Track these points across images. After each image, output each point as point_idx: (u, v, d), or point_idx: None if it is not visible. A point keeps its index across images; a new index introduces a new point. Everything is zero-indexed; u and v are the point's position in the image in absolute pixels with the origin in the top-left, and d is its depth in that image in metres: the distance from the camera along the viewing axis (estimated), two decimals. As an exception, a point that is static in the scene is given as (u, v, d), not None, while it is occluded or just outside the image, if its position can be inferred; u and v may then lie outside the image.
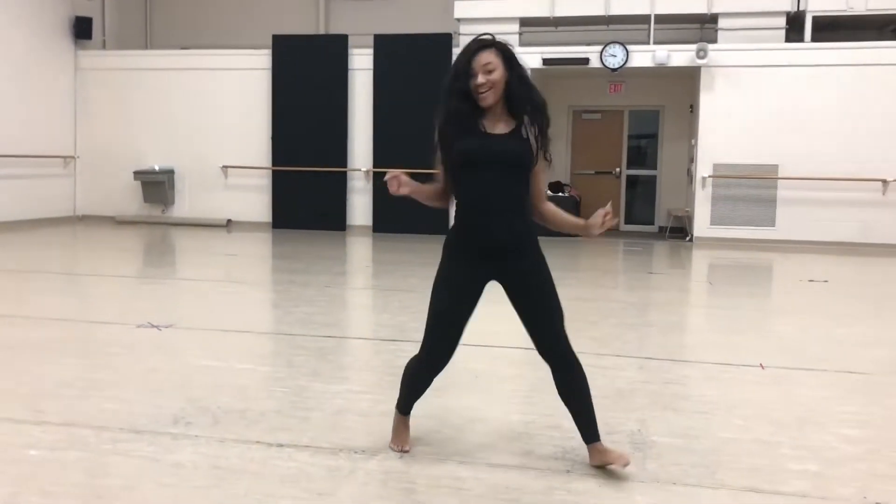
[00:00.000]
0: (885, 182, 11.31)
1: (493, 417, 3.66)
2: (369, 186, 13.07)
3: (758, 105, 11.64)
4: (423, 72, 12.58)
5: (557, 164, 14.00)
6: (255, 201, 13.52)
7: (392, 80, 12.69)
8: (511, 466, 3.05)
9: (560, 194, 12.98)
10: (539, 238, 2.96)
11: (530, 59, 12.28)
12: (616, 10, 12.09)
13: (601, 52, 12.02)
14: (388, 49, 12.75)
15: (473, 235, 2.90)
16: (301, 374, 4.37)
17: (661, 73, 12.45)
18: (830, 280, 8.28)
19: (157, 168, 13.53)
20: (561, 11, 12.26)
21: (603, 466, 2.96)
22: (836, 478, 2.97)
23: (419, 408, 3.29)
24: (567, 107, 14.02)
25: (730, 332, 5.68)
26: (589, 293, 7.21)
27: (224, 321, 5.83)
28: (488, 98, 2.84)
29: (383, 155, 12.78)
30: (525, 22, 12.64)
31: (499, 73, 2.82)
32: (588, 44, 12.51)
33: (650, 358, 4.82)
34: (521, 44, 12.72)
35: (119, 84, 13.78)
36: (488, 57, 2.83)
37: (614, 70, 12.08)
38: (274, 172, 13.25)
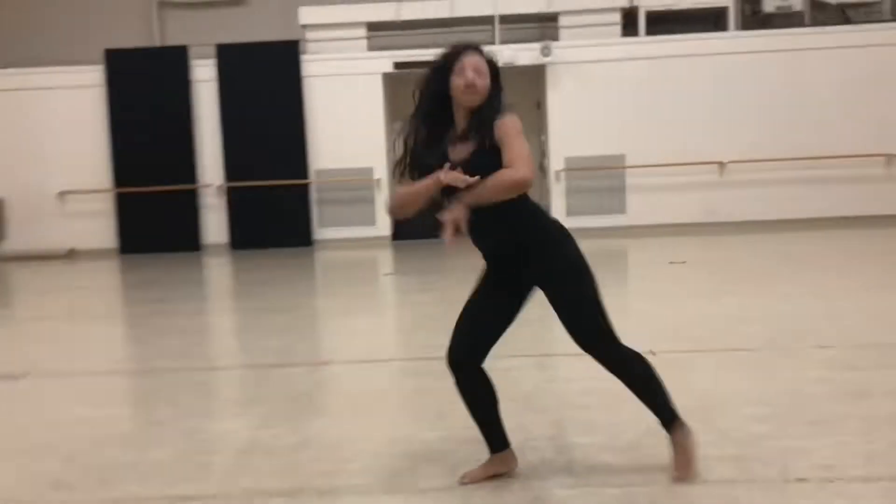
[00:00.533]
0: (721, 164, 12.05)
1: (404, 437, 3.50)
2: (222, 202, 12.52)
3: (602, 98, 12.09)
4: (271, 81, 12.22)
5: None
6: (99, 227, 12.59)
7: (239, 90, 12.21)
8: (438, 490, 2.91)
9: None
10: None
11: (381, 63, 12.21)
12: (461, 12, 12.19)
13: (450, 54, 12.07)
14: (233, 59, 12.26)
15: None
16: (189, 413, 4.03)
17: (506, 73, 12.61)
18: (688, 260, 8.69)
19: (-19, 199, 12.33)
20: (407, 15, 12.22)
21: None
22: (756, 459, 3.04)
23: (329, 437, 3.10)
24: (419, 109, 13.99)
25: (613, 321, 5.78)
26: (466, 292, 7.17)
27: (88, 363, 5.32)
28: (473, 101, 2.66)
29: (235, 168, 12.28)
30: (372, 26, 12.53)
31: (487, 81, 2.68)
32: (436, 46, 12.50)
33: (546, 355, 4.82)
34: (370, 48, 12.62)
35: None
36: (479, 60, 2.68)
37: (464, 71, 12.17)
38: (117, 195, 12.42)
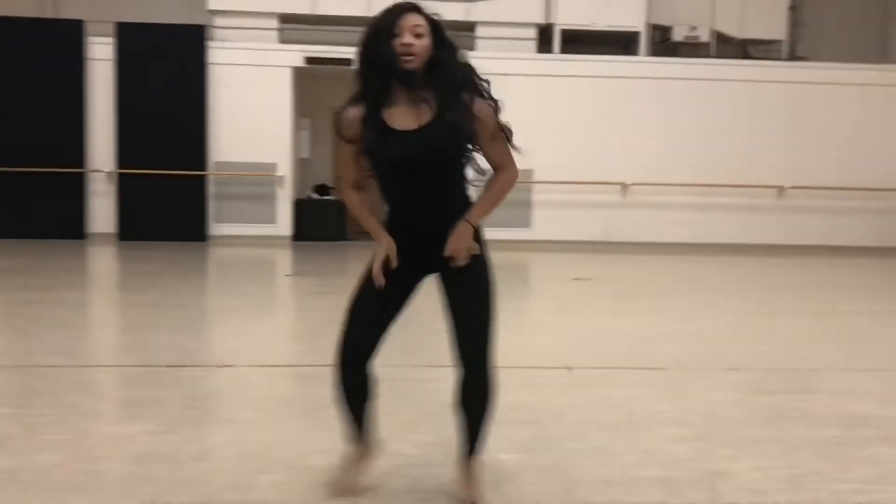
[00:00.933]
0: (624, 185, 12.31)
1: (320, 450, 3.27)
2: (112, 189, 11.81)
3: (513, 112, 12.02)
4: (174, 65, 11.65)
5: (321, 164, 13.66)
6: (-31, 207, 11.66)
7: (138, 72, 11.56)
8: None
9: (326, 197, 12.64)
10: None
11: (291, 57, 11.84)
12: (378, 11, 11.96)
13: (364, 54, 11.86)
14: (133, 39, 11.60)
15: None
16: (76, 414, 3.67)
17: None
18: (593, 277, 8.77)
19: None
20: (322, 10, 11.91)
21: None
22: (684, 482, 2.99)
23: (238, 446, 2.84)
24: (329, 108, 13.67)
25: (524, 334, 5.71)
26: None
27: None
28: (410, 62, 2.44)
29: (129, 155, 11.62)
30: (285, 18, 12.14)
31: (427, 41, 2.47)
32: (350, 44, 12.25)
33: (462, 367, 4.67)
34: (282, 41, 12.23)
35: None
36: (417, 19, 2.47)
37: (377, 72, 11.97)
38: (-5, 174, 11.52)
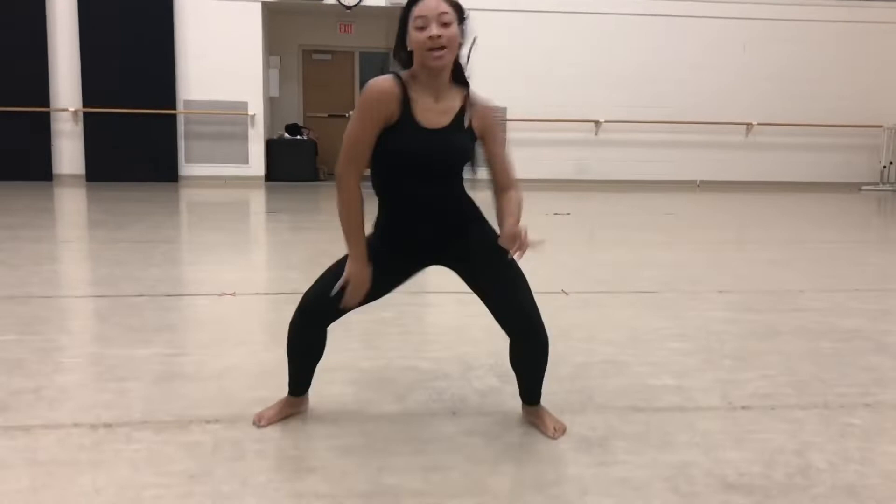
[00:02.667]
0: (597, 123, 12.37)
1: (338, 367, 3.32)
2: (79, 129, 11.54)
3: (483, 49, 11.99)
4: (140, 0, 11.30)
5: (291, 103, 13.45)
6: (-70, 148, 11.31)
7: (102, 7, 11.21)
8: (393, 415, 2.77)
9: (298, 137, 12.49)
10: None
11: (261, -9, 11.56)
12: (349, -55, 11.71)
13: (336, -12, 11.63)
14: (95, -28, 11.21)
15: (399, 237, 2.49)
16: (86, 340, 3.67)
17: (390, 15, 12.36)
18: (571, 213, 8.87)
19: None
20: (292, -58, 11.61)
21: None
22: (695, 388, 3.10)
23: (254, 364, 2.88)
24: (297, 46, 13.44)
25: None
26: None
27: (-52, 287, 4.76)
28: (444, 58, 2.23)
29: (95, 93, 11.33)
30: (253, -49, 11.81)
31: (454, 30, 2.22)
32: (320, -21, 12.04)
33: (463, 293, 4.72)
34: (250, -25, 11.92)
35: None
36: (442, 5, 2.21)
37: (349, 8, 11.76)
38: (-47, 114, 11.16)
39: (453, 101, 2.36)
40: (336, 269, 2.49)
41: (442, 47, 2.21)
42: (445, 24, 2.21)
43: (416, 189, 2.36)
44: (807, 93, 12.58)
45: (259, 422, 2.63)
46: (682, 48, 12.36)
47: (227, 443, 2.51)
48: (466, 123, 2.37)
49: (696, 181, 12.66)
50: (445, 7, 2.23)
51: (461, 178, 2.46)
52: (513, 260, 2.35)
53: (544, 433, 2.60)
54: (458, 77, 2.38)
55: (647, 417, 2.79)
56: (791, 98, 12.59)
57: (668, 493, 2.23)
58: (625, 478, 2.32)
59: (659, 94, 12.35)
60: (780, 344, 3.76)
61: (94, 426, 2.60)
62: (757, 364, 3.43)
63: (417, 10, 2.22)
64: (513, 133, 12.26)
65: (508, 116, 12.11)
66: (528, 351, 2.59)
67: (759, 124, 12.62)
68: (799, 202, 10.96)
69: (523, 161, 12.17)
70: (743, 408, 2.89)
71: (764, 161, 12.81)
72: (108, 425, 2.62)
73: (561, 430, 2.62)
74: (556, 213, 8.71)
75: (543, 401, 2.76)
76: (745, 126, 12.63)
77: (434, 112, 2.32)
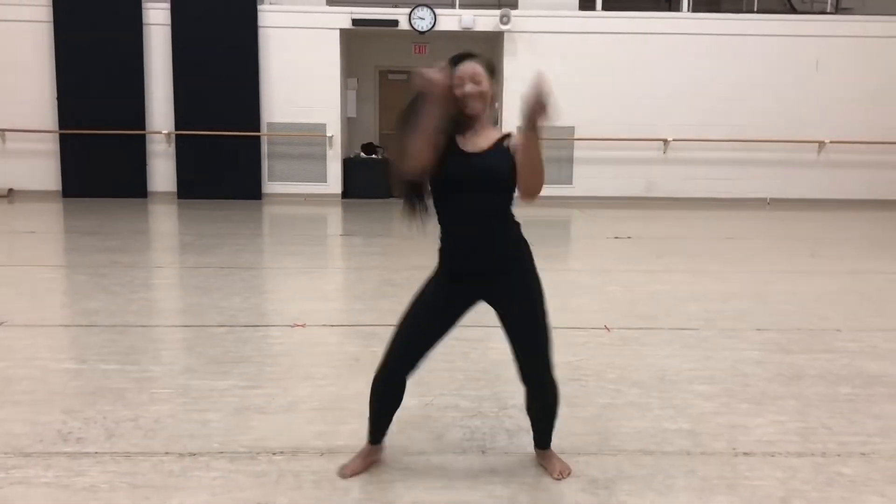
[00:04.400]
0: (665, 142, 12.52)
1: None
2: (171, 150, 12.40)
3: (555, 70, 12.32)
4: (227, 29, 12.08)
5: (368, 123, 14.07)
6: (41, 168, 12.37)
7: (193, 36, 12.04)
8: (430, 453, 3.20)
9: (374, 156, 13.07)
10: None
11: (339, 19, 12.19)
12: (423, -27, 12.22)
13: (409, 15, 12.15)
14: (188, 4, 12.04)
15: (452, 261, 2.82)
16: (175, 371, 4.23)
17: (463, 37, 12.81)
18: (632, 236, 9.12)
19: (-83, 133, 11.93)
20: (369, -28, 12.18)
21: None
22: (707, 434, 3.43)
23: (316, 399, 3.35)
24: (374, 67, 14.04)
25: (567, 295, 6.14)
26: (427, 260, 7.45)
27: (61, 314, 5.45)
28: (476, 108, 2.69)
29: (186, 116, 12.17)
30: (332, -19, 12.44)
31: (486, 85, 2.70)
32: (395, 5, 12.59)
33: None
34: (329, 3, 12.56)
35: None
36: (475, 68, 2.70)
37: (422, 32, 12.27)
38: (62, 136, 12.17)
39: (493, 135, 2.77)
40: (407, 321, 2.85)
41: (475, 100, 2.70)
42: (478, 83, 2.70)
43: (463, 208, 2.71)
44: (882, 109, 12.43)
45: (345, 473, 2.96)
46: (751, 66, 12.39)
47: (289, 474, 2.99)
48: (507, 147, 2.72)
49: (766, 199, 12.67)
50: (477, 69, 2.71)
51: (507, 204, 2.77)
52: (541, 315, 2.80)
53: (550, 475, 2.99)
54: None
55: (655, 461, 3.14)
56: (866, 114, 12.46)
57: (655, 534, 2.59)
58: (621, 519, 2.69)
59: (728, 112, 12.42)
60: (800, 388, 4.03)
61: (181, 455, 3.13)
62: (772, 409, 3.72)
63: (457, 72, 2.70)
64: (580, 151, 12.56)
65: (577, 135, 12.42)
66: (538, 407, 2.99)
67: (831, 142, 12.54)
68: (870, 221, 10.89)
69: (592, 179, 12.47)
70: (745, 454, 3.21)
71: (837, 178, 12.71)
72: (192, 454, 3.14)
73: (566, 473, 3.00)
74: (616, 237, 8.98)
75: (563, 441, 3.15)
76: (816, 144, 12.57)
77: (473, 142, 2.74)
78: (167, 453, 3.14)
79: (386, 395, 2.93)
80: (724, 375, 4.22)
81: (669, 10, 13.05)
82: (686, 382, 4.09)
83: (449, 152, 2.70)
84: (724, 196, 12.57)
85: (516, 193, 2.71)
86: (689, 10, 12.67)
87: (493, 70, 2.79)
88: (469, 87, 2.68)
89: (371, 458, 3.06)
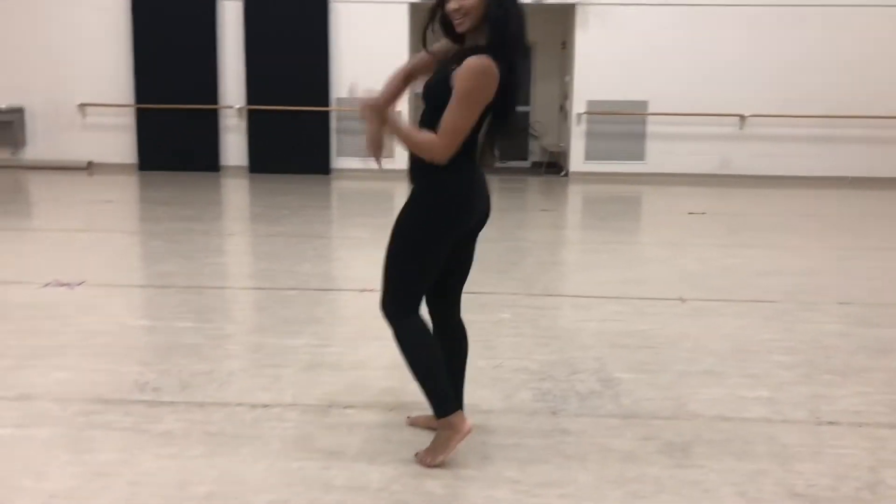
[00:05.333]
0: (742, 117, 12.14)
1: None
2: (243, 124, 12.59)
3: (629, 44, 12.08)
4: (298, 5, 12.16)
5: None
6: (118, 141, 12.69)
7: (265, 13, 12.16)
8: (500, 412, 3.17)
9: (441, 131, 13.04)
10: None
11: (410, -6, 12.13)
12: (493, -54, 12.06)
13: (480, -12, 12.02)
14: (260, -20, 12.17)
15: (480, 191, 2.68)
16: (247, 329, 4.29)
17: (534, 10, 12.59)
18: (707, 211, 8.88)
19: (3, 106, 12.38)
20: (439, -55, 12.08)
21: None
22: (787, 402, 3.30)
23: (386, 358, 3.35)
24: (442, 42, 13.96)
25: (639, 267, 6.02)
26: (493, 233, 7.40)
27: (138, 275, 5.59)
28: (464, 24, 2.50)
29: (257, 92, 12.32)
30: (402, -45, 12.39)
31: (470, 1, 2.46)
32: (465, -21, 12.47)
33: (579, 296, 5.05)
34: (399, -23, 12.52)
35: (-48, 12, 12.40)
36: None
37: (492, 6, 12.13)
38: (138, 111, 12.47)
39: (460, 54, 2.56)
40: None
41: (461, 15, 2.50)
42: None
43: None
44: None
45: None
46: (835, 40, 11.89)
47: (360, 426, 3.00)
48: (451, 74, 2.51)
49: (846, 177, 12.17)
50: None
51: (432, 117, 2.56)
52: (393, 247, 2.69)
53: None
54: (494, 35, 2.49)
55: (733, 427, 3.04)
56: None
57: (735, 497, 2.50)
58: (698, 480, 2.61)
59: (808, 88, 11.95)
60: (887, 361, 3.85)
61: (253, 406, 3.17)
62: (857, 381, 3.57)
63: None
64: (653, 127, 12.27)
65: (651, 110, 12.14)
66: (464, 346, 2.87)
67: (920, 118, 11.96)
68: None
69: (665, 155, 12.19)
70: (829, 423, 3.08)
71: (925, 157, 12.14)
72: (264, 405, 3.17)
73: (421, 462, 2.69)
74: (690, 213, 8.76)
75: (637, 405, 3.09)
76: (903, 120, 12.01)
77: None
78: (240, 404, 3.18)
79: (424, 340, 2.71)
80: (805, 347, 4.06)
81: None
82: (765, 353, 3.95)
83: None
84: (803, 174, 12.12)
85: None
86: (769, -19, 12.20)
87: None
88: (452, 4, 2.50)
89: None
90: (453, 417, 2.66)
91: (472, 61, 2.43)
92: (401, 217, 2.64)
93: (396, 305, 2.67)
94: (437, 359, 2.68)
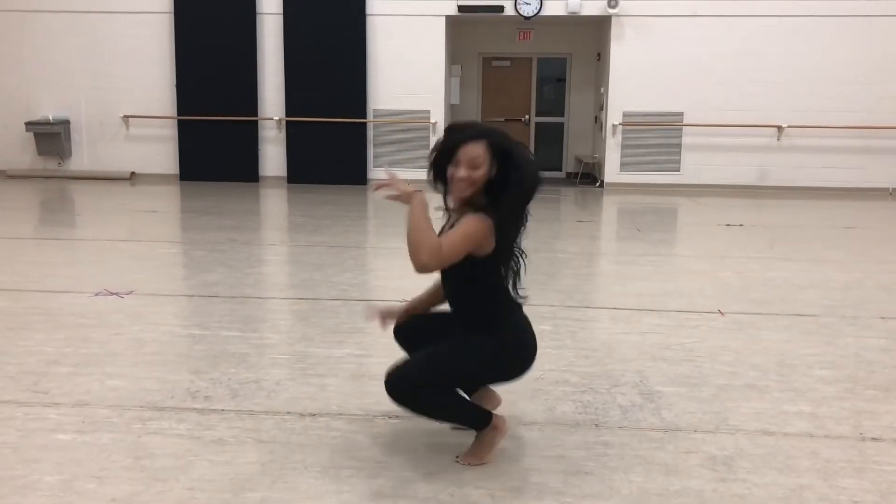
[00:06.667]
0: (779, 128, 12.05)
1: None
2: (282, 136, 12.79)
3: (664, 54, 12.07)
4: (336, 17, 12.34)
5: (470, 110, 14.13)
6: (160, 152, 12.97)
7: (303, 25, 12.36)
8: (543, 424, 3.22)
9: (476, 142, 13.11)
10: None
11: (445, 6, 12.25)
12: (529, -42, 12.14)
13: (515, 0, 12.10)
14: (299, -7, 12.37)
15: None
16: (293, 339, 4.38)
17: (569, 21, 12.67)
18: (744, 223, 8.84)
19: (51, 118, 12.71)
20: (475, -42, 12.19)
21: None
22: (829, 417, 3.31)
23: None
24: (477, 54, 14.07)
25: (678, 279, 6.03)
26: (530, 244, 7.45)
27: (184, 285, 5.73)
28: (464, 192, 2.63)
29: (295, 103, 12.51)
30: (439, -33, 12.52)
31: (483, 171, 2.60)
32: (500, -9, 12.56)
33: (618, 308, 5.08)
34: (435, -11, 12.64)
35: (1, 27, 12.76)
36: (476, 150, 2.58)
37: (528, 18, 12.20)
38: (180, 122, 12.73)
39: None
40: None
41: (465, 185, 2.62)
42: (474, 167, 2.59)
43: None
44: None
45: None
46: (875, 49, 11.77)
47: (405, 435, 3.07)
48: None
49: (889, 189, 12.02)
50: (478, 152, 2.59)
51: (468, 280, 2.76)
52: (448, 353, 2.75)
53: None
54: (493, 199, 2.65)
55: (776, 441, 3.06)
56: None
57: (779, 511, 2.53)
58: (741, 494, 2.63)
59: (849, 97, 11.83)
60: (931, 377, 3.83)
61: (302, 415, 3.25)
62: (901, 396, 3.55)
63: (458, 154, 2.61)
64: (689, 138, 12.23)
65: (686, 121, 12.11)
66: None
67: (963, 129, 11.78)
68: None
69: (701, 167, 12.14)
70: (873, 439, 3.08)
71: (968, 168, 11.95)
72: (312, 415, 3.26)
73: (465, 461, 2.84)
74: (728, 225, 8.72)
75: (679, 419, 3.12)
76: (946, 131, 11.84)
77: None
78: (289, 413, 3.27)
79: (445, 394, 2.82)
80: (847, 361, 4.05)
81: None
82: (806, 367, 3.95)
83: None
84: (843, 185, 11.99)
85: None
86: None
87: (507, 151, 2.62)
88: (462, 172, 2.59)
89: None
90: (493, 423, 2.84)
91: (475, 218, 2.60)
92: (474, 342, 2.74)
93: (414, 391, 2.73)
94: (453, 394, 2.82)
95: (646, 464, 2.86)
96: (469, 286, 2.76)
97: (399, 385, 2.72)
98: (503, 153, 2.62)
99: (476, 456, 2.84)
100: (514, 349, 2.79)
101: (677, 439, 3.06)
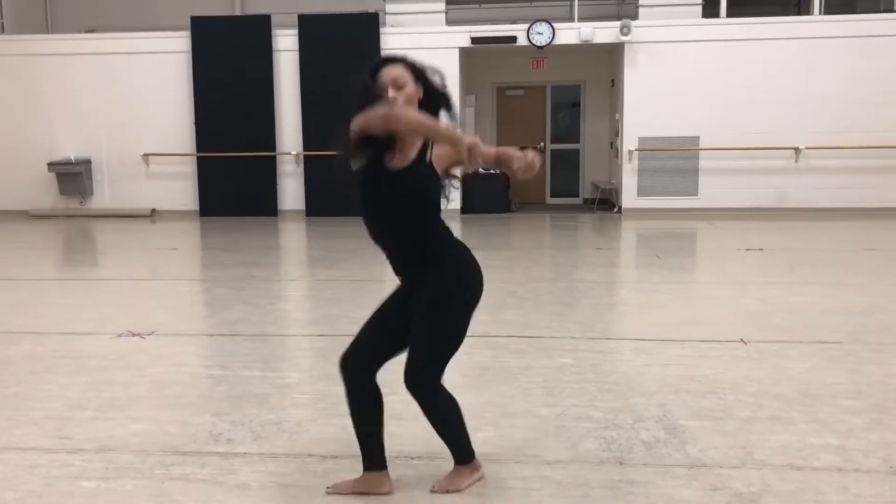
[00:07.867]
0: (797, 150, 12.01)
1: (521, 412, 3.79)
2: (300, 170, 12.91)
3: (678, 79, 12.11)
4: (351, 52, 12.48)
5: (486, 139, 14.20)
6: (180, 189, 13.14)
7: (319, 61, 12.52)
8: (566, 462, 3.19)
9: (491, 171, 13.15)
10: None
11: (458, 38, 12.37)
12: (540, -12, 12.27)
13: (528, 30, 12.20)
14: (314, 29, 12.56)
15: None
16: (314, 378, 4.39)
17: (582, 49, 12.75)
18: (764, 247, 8.78)
19: (72, 158, 12.92)
20: (487, -11, 12.34)
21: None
22: (858, 450, 3.26)
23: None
24: (491, 84, 14.17)
25: (699, 307, 5.99)
26: (549, 273, 7.45)
27: (205, 324, 5.77)
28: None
29: (313, 138, 12.63)
30: (451, 0, 12.66)
31: (411, 89, 2.62)
32: (512, 21, 12.69)
33: (640, 339, 5.05)
34: (448, 22, 12.78)
35: (22, 71, 13.03)
36: (396, 71, 2.62)
37: (541, 47, 12.28)
38: (199, 159, 12.89)
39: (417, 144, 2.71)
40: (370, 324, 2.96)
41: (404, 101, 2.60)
42: (400, 87, 2.60)
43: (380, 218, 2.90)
44: None
45: (329, 488, 2.91)
46: (890, 69, 11.73)
47: (428, 477, 3.05)
48: (428, 158, 2.70)
49: (909, 208, 11.91)
50: (398, 72, 2.62)
51: (420, 216, 2.78)
52: (424, 330, 2.78)
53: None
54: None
55: (804, 476, 3.01)
56: None
57: (809, 551, 2.48)
58: (770, 534, 2.59)
59: (865, 118, 11.78)
60: (961, 405, 3.76)
61: (324, 457, 3.25)
62: (930, 426, 3.50)
63: (378, 83, 2.62)
64: (706, 162, 12.21)
65: (702, 145, 12.10)
66: (429, 419, 2.90)
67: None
68: None
69: (718, 190, 12.10)
70: (903, 472, 3.03)
71: None
72: (334, 457, 3.25)
73: (442, 489, 2.89)
74: (747, 249, 8.67)
75: (704, 454, 3.08)
76: (966, 148, 11.74)
77: (400, 155, 2.71)
78: (311, 455, 3.27)
79: (358, 397, 2.96)
80: (873, 391, 4.00)
81: (799, 13, 12.53)
82: (831, 397, 3.90)
83: (375, 168, 2.72)
84: (862, 206, 11.91)
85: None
86: (820, 13, 12.12)
87: (421, 70, 2.68)
88: (391, 93, 2.59)
89: (365, 485, 2.89)
90: (475, 461, 2.95)
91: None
92: (426, 304, 2.77)
93: (431, 379, 2.84)
94: (460, 413, 2.90)
95: (672, 502, 2.82)
96: (421, 224, 2.80)
97: (419, 389, 2.84)
98: (420, 72, 2.65)
99: (454, 483, 2.91)
100: (468, 265, 2.85)
101: (703, 475, 3.03)
